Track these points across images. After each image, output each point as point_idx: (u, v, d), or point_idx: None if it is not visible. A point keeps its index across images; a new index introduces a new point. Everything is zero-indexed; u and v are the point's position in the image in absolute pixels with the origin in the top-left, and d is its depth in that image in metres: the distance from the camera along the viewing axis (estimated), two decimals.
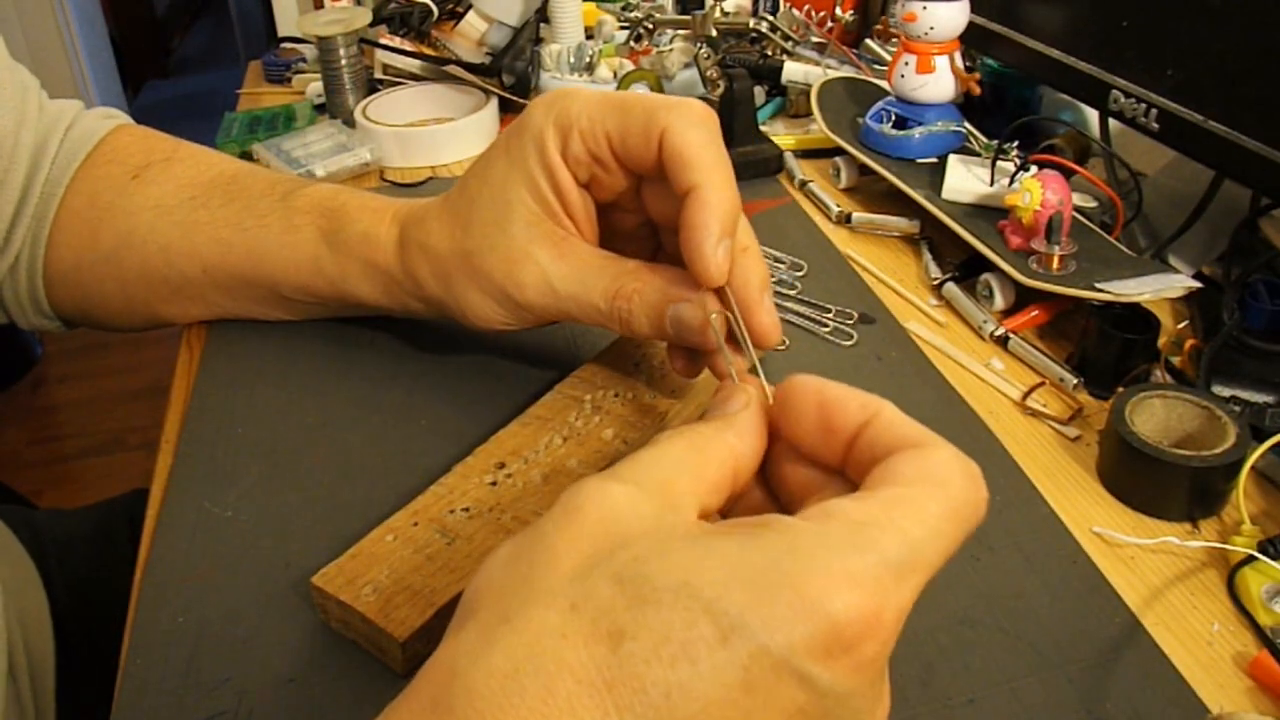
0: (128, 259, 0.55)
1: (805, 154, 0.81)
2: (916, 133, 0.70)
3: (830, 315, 0.59)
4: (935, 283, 0.63)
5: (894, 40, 0.90)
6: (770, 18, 0.88)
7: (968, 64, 0.72)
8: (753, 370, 0.35)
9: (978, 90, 0.70)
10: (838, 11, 0.98)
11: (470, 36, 1.00)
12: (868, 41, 0.94)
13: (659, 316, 0.40)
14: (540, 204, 0.43)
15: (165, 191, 0.56)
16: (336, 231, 0.51)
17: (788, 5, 0.97)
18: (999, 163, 0.65)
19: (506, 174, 0.43)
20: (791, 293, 0.61)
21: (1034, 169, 0.61)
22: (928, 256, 0.66)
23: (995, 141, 0.67)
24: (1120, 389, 0.49)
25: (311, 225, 0.52)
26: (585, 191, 0.43)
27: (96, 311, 0.59)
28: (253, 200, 0.54)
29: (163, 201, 0.55)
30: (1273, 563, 0.41)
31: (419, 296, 0.49)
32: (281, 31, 1.17)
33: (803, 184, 0.76)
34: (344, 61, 0.87)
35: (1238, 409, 0.49)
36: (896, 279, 0.64)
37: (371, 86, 0.91)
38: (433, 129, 0.83)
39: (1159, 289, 0.54)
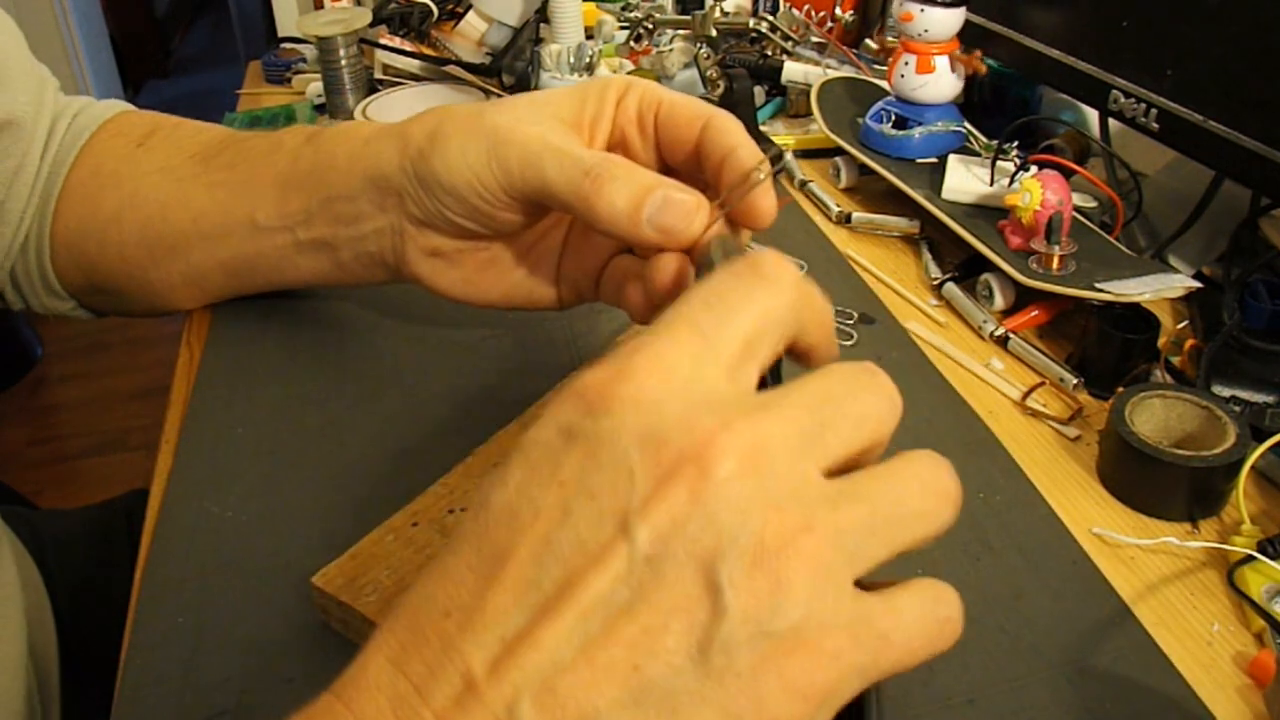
0: (129, 220, 0.56)
1: (805, 154, 0.81)
2: (916, 133, 0.70)
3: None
4: (935, 283, 0.63)
5: (892, 39, 0.90)
6: (770, 18, 0.88)
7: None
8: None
9: (984, 69, 0.70)
10: (838, 11, 0.98)
11: (470, 36, 1.00)
12: (868, 41, 0.94)
13: (643, 192, 0.39)
14: (574, 115, 0.44)
15: (169, 154, 0.57)
16: (322, 130, 0.52)
17: (788, 5, 0.97)
18: (999, 163, 0.65)
19: (562, 90, 0.45)
20: None
21: (1034, 169, 0.61)
22: (928, 256, 0.66)
23: (995, 141, 0.67)
24: (1120, 389, 0.49)
25: (299, 136, 0.53)
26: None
27: (99, 281, 0.59)
28: (243, 140, 0.55)
29: (168, 163, 0.56)
30: (1272, 563, 0.41)
31: (398, 151, 0.46)
32: (281, 32, 1.17)
33: (803, 184, 0.76)
34: (344, 62, 0.87)
35: (1238, 409, 0.49)
36: (896, 279, 0.64)
37: (371, 86, 0.91)
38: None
39: (1159, 289, 0.54)
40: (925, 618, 0.25)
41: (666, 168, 0.45)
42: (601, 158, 0.40)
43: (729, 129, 0.41)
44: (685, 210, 0.38)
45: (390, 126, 0.48)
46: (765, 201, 0.39)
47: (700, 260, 0.37)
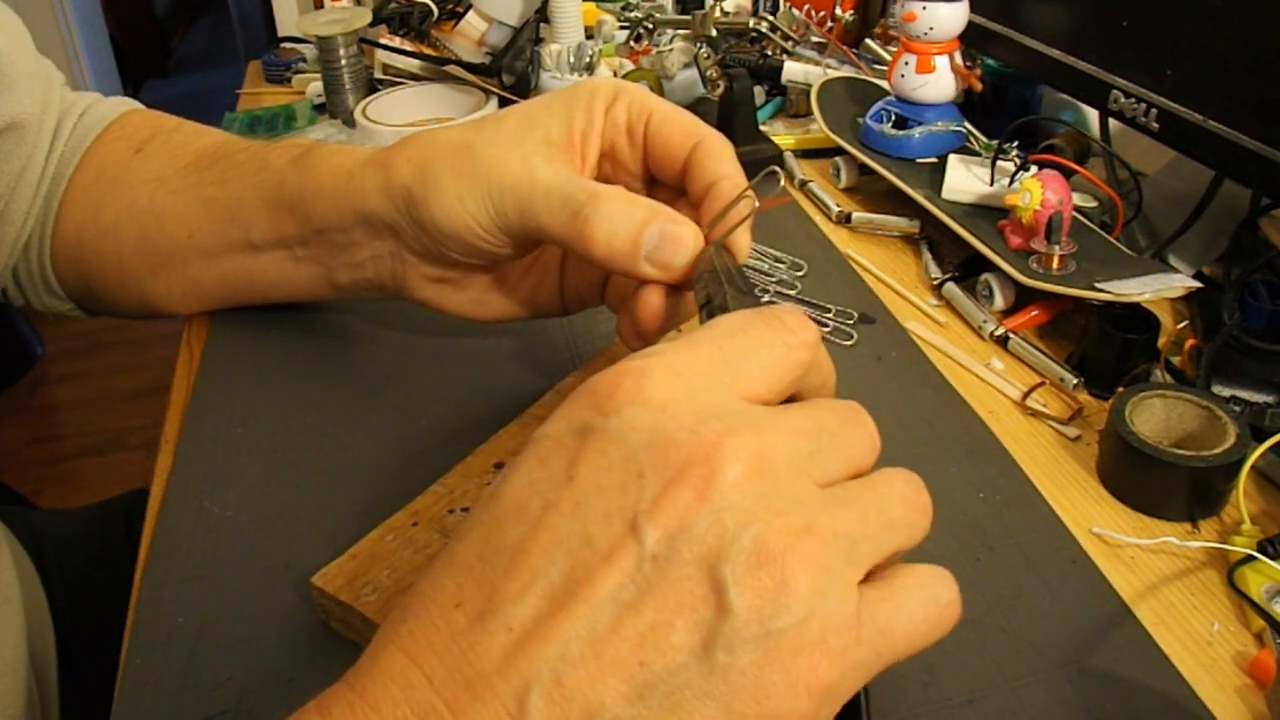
0: (126, 231, 0.56)
1: (805, 154, 0.81)
2: (916, 132, 0.70)
3: (830, 315, 0.59)
4: (935, 283, 0.63)
5: (894, 42, 0.90)
6: (770, 18, 0.88)
7: (968, 63, 0.72)
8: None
9: (979, 86, 0.70)
10: (838, 11, 0.98)
11: (470, 36, 1.00)
12: (868, 41, 0.94)
13: (638, 229, 0.38)
14: (563, 134, 0.43)
15: (164, 163, 0.56)
16: (306, 154, 0.51)
17: (788, 5, 0.97)
18: (999, 163, 0.65)
19: (547, 104, 0.44)
20: (791, 293, 0.61)
21: (1034, 169, 0.61)
22: (928, 256, 0.66)
23: (995, 141, 0.67)
24: (1120, 389, 0.49)
25: (284, 157, 0.52)
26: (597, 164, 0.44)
27: (96, 288, 0.59)
28: (233, 153, 0.55)
29: (162, 173, 0.56)
30: (1272, 563, 0.41)
31: (384, 189, 0.46)
32: (281, 31, 1.17)
33: (803, 184, 0.76)
34: (344, 61, 0.87)
35: (1238, 409, 0.49)
36: (896, 279, 0.64)
37: (371, 86, 0.91)
38: (433, 129, 0.83)
39: (1159, 289, 0.54)
40: (926, 604, 0.26)
41: (652, 177, 0.44)
42: (592, 194, 0.39)
43: (719, 154, 0.41)
44: (682, 245, 0.38)
45: (371, 157, 0.47)
46: (743, 240, 0.39)
47: (701, 268, 0.37)
